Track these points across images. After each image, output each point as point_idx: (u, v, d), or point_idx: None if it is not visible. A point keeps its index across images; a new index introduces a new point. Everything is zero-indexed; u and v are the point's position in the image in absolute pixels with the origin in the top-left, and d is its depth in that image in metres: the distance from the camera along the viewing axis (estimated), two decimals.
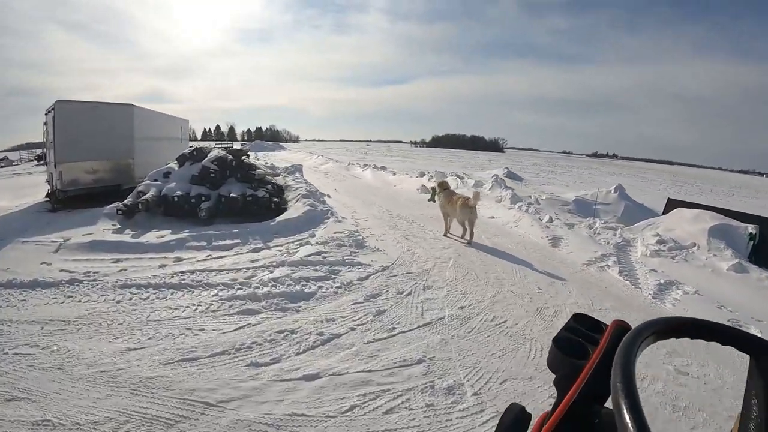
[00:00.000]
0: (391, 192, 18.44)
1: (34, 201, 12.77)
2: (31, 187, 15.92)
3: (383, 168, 26.29)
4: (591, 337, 0.72)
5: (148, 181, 10.76)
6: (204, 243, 8.27)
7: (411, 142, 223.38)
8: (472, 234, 9.41)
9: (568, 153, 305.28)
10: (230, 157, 11.78)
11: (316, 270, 7.04)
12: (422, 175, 22.24)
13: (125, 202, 9.98)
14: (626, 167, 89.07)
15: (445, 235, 9.91)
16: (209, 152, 11.91)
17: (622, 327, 0.69)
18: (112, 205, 10.27)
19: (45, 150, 13.67)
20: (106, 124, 12.99)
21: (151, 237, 8.58)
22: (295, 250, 7.96)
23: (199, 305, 5.74)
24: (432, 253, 8.55)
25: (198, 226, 9.51)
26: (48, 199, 12.77)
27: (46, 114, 13.24)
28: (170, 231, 8.96)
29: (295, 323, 5.26)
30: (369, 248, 8.40)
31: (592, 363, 0.64)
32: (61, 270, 6.85)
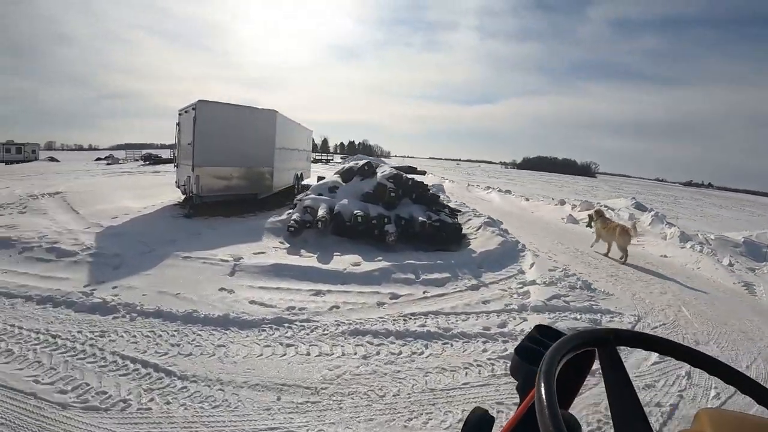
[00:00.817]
0: (534, 219, 16.67)
1: (161, 204, 12.01)
2: (151, 187, 15.39)
3: (508, 191, 24.42)
4: (550, 345, 0.73)
5: (313, 196, 9.42)
6: (411, 275, 6.85)
7: (500, 163, 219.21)
8: (626, 256, 9.87)
9: (661, 181, 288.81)
10: (404, 175, 10.36)
11: (575, 318, 5.86)
12: (562, 203, 20.41)
13: (294, 218, 8.75)
14: (731, 199, 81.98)
15: (605, 255, 10.25)
16: (377, 167, 10.53)
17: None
18: (274, 219, 9.13)
19: (175, 152, 12.87)
20: (248, 129, 12.18)
21: (341, 263, 7.21)
22: (521, 290, 6.68)
23: (478, 366, 4.37)
24: (655, 298, 7.38)
25: (384, 252, 8.20)
26: (179, 203, 12.19)
27: (180, 114, 12.50)
28: (358, 256, 7.59)
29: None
30: (599, 291, 7.13)
31: None
32: (252, 302, 5.58)
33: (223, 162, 11.53)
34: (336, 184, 9.87)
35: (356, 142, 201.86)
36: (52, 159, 52.22)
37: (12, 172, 27.35)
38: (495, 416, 0.72)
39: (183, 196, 12.77)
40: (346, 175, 10.41)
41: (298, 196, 10.46)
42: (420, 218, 9.01)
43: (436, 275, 6.91)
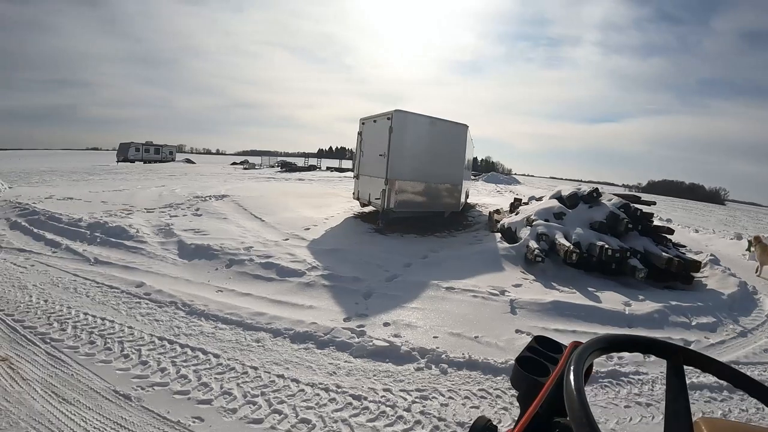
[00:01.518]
0: (721, 257, 14.17)
1: (338, 214, 11.41)
2: (315, 196, 14.88)
3: (669, 220, 22.02)
4: (551, 357, 0.78)
5: (542, 221, 8.38)
6: (681, 318, 5.75)
7: (624, 186, 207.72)
8: None
9: None
10: (633, 205, 9.04)
11: None
12: (739, 237, 17.85)
13: (536, 246, 7.70)
14: None
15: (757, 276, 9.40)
16: (600, 194, 9.41)
17: (577, 345, 0.72)
18: (508, 245, 8.07)
19: (355, 161, 12.42)
20: (439, 143, 11.33)
21: (610, 301, 6.01)
22: None
23: None
24: None
25: (627, 288, 6.96)
26: (357, 214, 11.48)
27: (362, 124, 11.87)
28: (617, 293, 6.43)
29: None
30: None
31: (552, 379, 0.69)
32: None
33: (416, 176, 10.77)
34: (562, 210, 8.79)
35: (479, 159, 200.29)
36: (188, 161, 55.15)
37: (156, 171, 28.59)
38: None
39: (362, 209, 12.34)
40: (571, 200, 9.29)
41: (504, 221, 9.56)
42: (664, 254, 7.73)
43: (703, 319, 5.84)
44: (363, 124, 11.91)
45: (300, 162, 48.25)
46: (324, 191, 16.43)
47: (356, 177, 11.96)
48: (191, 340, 4.21)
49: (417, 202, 11.01)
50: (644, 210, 9.05)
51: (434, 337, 4.59)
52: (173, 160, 54.62)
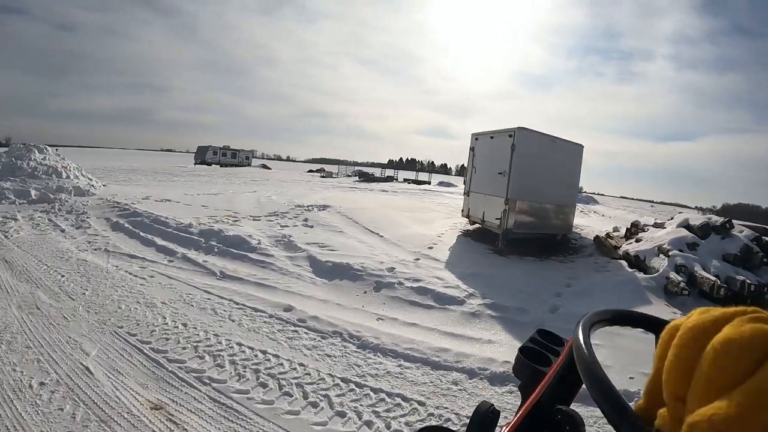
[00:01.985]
0: None
1: (447, 231, 10.97)
2: (414, 210, 14.20)
3: None
4: (553, 349, 0.78)
5: (677, 252, 8.00)
6: None
7: (697, 208, 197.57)
8: None
9: None
10: (764, 237, 8.41)
11: None
12: None
13: (681, 279, 7.15)
14: None
15: None
16: (733, 225, 8.94)
17: (543, 331, 0.78)
18: (646, 276, 7.61)
19: (466, 178, 12.24)
20: (559, 162, 10.87)
21: None
22: None
23: None
24: None
25: None
26: (463, 231, 10.94)
27: (475, 139, 11.47)
28: None
29: None
30: None
31: (555, 369, 0.69)
32: None
33: (535, 196, 10.31)
34: (695, 241, 8.35)
35: None
36: (264, 166, 55.42)
37: (236, 174, 28.86)
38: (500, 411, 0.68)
39: (468, 226, 11.83)
40: (703, 230, 8.80)
41: (626, 248, 9.10)
42: None
43: None
44: (476, 139, 11.59)
45: (377, 172, 48.36)
46: (417, 205, 16.17)
47: (467, 194, 11.63)
48: (381, 382, 3.65)
49: (534, 224, 10.50)
50: None
51: (630, 378, 4.24)
52: (249, 164, 55.46)
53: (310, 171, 52.42)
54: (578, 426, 0.62)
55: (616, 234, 12.20)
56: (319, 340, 4.33)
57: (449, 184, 39.77)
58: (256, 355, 3.85)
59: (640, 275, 7.64)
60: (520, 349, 0.76)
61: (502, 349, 4.54)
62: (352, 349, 4.22)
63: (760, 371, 0.33)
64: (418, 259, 7.64)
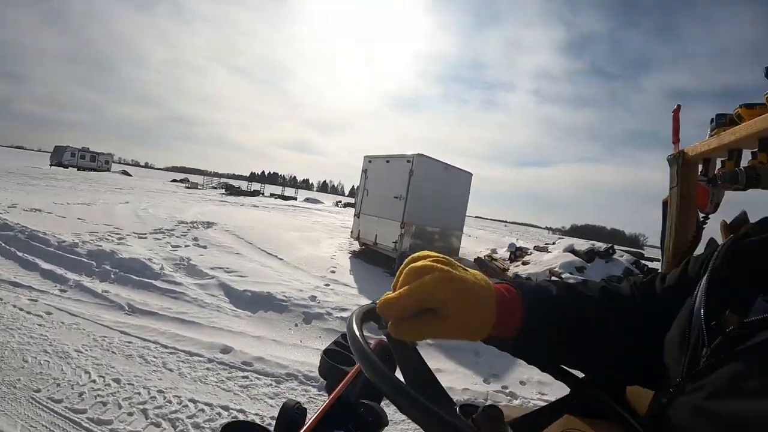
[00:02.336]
0: None
1: (338, 252, 10.79)
2: (298, 228, 13.83)
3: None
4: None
5: (568, 274, 8.70)
6: None
7: (547, 228, 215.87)
8: None
9: None
10: (641, 261, 9.48)
11: None
12: None
13: None
14: None
15: None
16: (615, 251, 10.07)
17: (383, 344, 0.76)
18: None
19: (357, 199, 12.16)
20: (451, 189, 11.40)
21: None
22: None
23: None
24: None
25: None
26: (353, 252, 11.01)
27: (369, 162, 11.57)
28: None
29: None
30: None
31: (357, 368, 0.71)
32: None
33: (429, 220, 10.56)
34: (582, 264, 9.24)
35: None
36: (125, 173, 51.75)
37: (97, 180, 25.99)
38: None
39: (353, 247, 11.85)
40: (589, 255, 9.78)
41: (516, 270, 9.72)
42: None
43: None
44: (370, 162, 11.64)
45: (242, 185, 46.76)
46: (297, 223, 15.73)
47: (357, 216, 11.59)
48: None
49: (429, 246, 10.78)
50: (650, 265, 9.73)
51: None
52: (109, 169, 51.36)
53: (174, 180, 49.40)
54: (380, 417, 0.67)
55: (498, 256, 12.97)
56: (276, 386, 3.88)
57: (315, 201, 39.91)
58: (219, 414, 3.30)
59: None
60: (324, 352, 0.80)
61: (465, 378, 4.60)
62: (314, 393, 3.88)
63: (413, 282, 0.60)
64: (328, 285, 7.37)
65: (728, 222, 1.64)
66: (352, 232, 12.00)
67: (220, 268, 7.17)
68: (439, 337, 0.66)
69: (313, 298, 6.29)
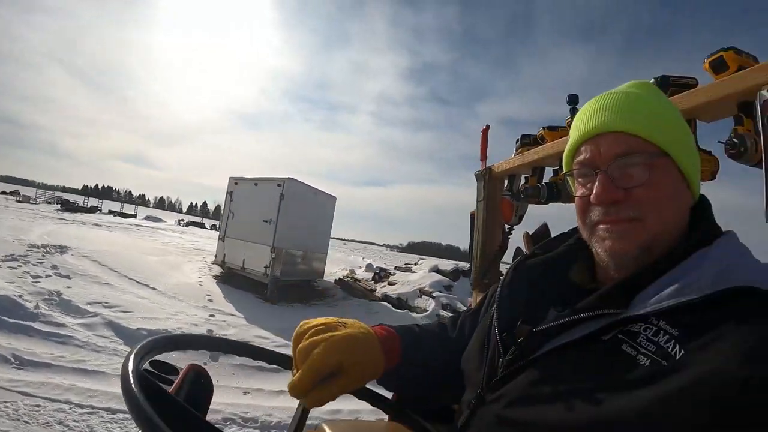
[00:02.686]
0: None
1: (202, 278, 10.32)
2: (156, 251, 13.05)
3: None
4: (167, 379, 0.81)
5: (438, 292, 9.39)
6: None
7: (385, 245, 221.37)
8: None
9: None
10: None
11: None
12: None
13: (448, 314, 8.47)
14: None
15: None
16: (460, 267, 11.03)
17: (195, 370, 0.80)
18: (419, 315, 8.66)
19: (222, 222, 11.63)
20: (318, 212, 11.75)
21: None
22: None
23: None
24: None
25: None
26: (217, 276, 10.80)
27: (235, 183, 11.42)
28: None
29: None
30: None
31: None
32: None
33: (298, 244, 10.76)
34: (450, 283, 10.08)
35: None
36: None
37: None
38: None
39: (215, 271, 11.45)
40: (454, 274, 10.67)
41: (385, 291, 10.28)
42: None
43: None
44: (236, 184, 11.47)
45: (75, 199, 42.13)
46: (148, 245, 14.68)
47: (222, 239, 11.38)
48: None
49: (298, 270, 10.87)
50: None
51: None
52: None
53: (4, 193, 44.31)
54: None
55: (360, 276, 13.54)
56: None
57: (157, 219, 37.10)
58: None
59: (414, 314, 8.82)
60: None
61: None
62: None
63: (306, 360, 0.73)
64: (213, 316, 7.29)
65: (530, 233, 1.83)
66: (216, 255, 11.63)
67: (97, 302, 6.60)
68: (348, 391, 0.78)
69: (210, 332, 6.18)
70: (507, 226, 2.04)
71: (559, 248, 0.88)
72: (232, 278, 10.79)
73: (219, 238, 11.47)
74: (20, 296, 6.12)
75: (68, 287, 7.11)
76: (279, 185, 10.20)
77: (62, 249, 9.99)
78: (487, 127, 2.17)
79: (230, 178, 11.68)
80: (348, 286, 12.18)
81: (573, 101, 1.56)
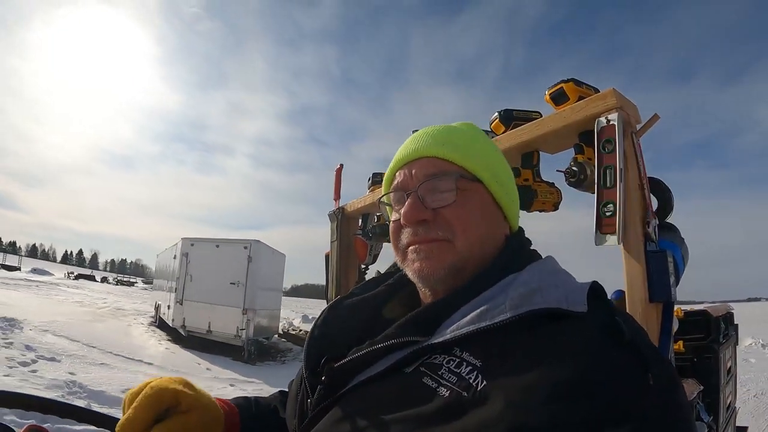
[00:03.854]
0: None
1: (167, 346, 10.20)
2: (97, 320, 11.96)
3: None
4: None
5: None
6: None
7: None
8: None
9: None
10: None
11: None
12: None
13: None
14: None
15: None
16: None
17: (35, 428, 0.72)
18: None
19: (179, 285, 11.25)
20: (275, 271, 12.02)
21: None
22: None
23: None
24: None
25: None
26: (171, 338, 10.47)
27: (191, 245, 11.30)
28: None
29: None
30: None
31: None
32: None
33: (265, 303, 10.92)
34: None
35: (128, 261, 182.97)
36: None
37: None
38: None
39: (163, 331, 11.45)
40: None
41: None
42: None
43: None
44: (192, 245, 11.30)
45: None
46: (79, 309, 13.91)
47: (180, 302, 10.99)
48: None
49: (265, 328, 10.95)
50: None
51: None
52: None
53: None
54: None
55: (299, 326, 13.98)
56: None
57: (44, 272, 33.59)
58: None
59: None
60: None
61: None
62: None
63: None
64: (233, 385, 7.40)
65: (382, 272, 1.52)
66: (173, 320, 11.05)
67: (125, 387, 6.06)
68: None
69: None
70: (363, 266, 2.01)
71: (378, 288, 0.85)
72: (194, 342, 10.44)
73: (176, 302, 10.95)
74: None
75: (70, 373, 6.47)
76: (245, 247, 10.27)
77: (13, 323, 8.99)
78: (341, 166, 2.14)
79: (184, 239, 11.35)
80: (294, 336, 12.66)
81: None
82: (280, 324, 14.70)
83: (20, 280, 21.64)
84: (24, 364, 6.67)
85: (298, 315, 20.93)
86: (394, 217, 0.76)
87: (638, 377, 0.49)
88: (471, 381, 0.54)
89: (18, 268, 34.25)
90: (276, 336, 12.70)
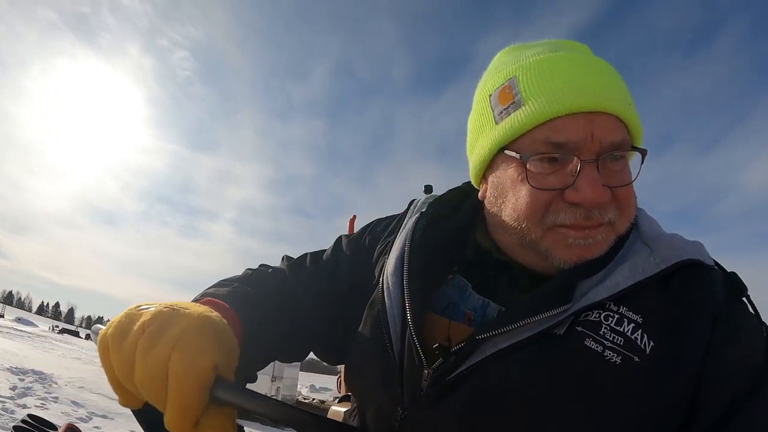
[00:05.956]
0: None
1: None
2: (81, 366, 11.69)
3: None
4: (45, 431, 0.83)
5: None
6: None
7: None
8: None
9: None
10: None
11: None
12: None
13: None
14: None
15: None
16: None
17: (72, 428, 0.72)
18: None
19: None
20: None
21: None
22: None
23: None
24: None
25: None
26: None
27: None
28: None
29: None
30: None
31: None
32: None
33: (289, 373, 11.13)
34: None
35: (104, 318, 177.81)
36: None
37: None
38: None
39: None
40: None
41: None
42: None
43: None
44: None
45: None
46: (70, 363, 13.53)
47: None
48: None
49: (287, 396, 10.76)
50: None
51: None
52: None
53: None
54: None
55: (311, 395, 13.46)
56: None
57: (28, 322, 32.33)
58: None
59: None
60: (14, 428, 0.81)
61: None
62: None
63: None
64: None
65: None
66: None
67: None
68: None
69: None
70: None
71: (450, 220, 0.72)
72: None
73: None
74: None
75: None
76: None
77: (44, 378, 8.50)
78: (354, 217, 1.97)
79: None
80: (308, 406, 12.22)
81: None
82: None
83: (9, 329, 20.72)
84: (82, 420, 6.38)
85: (304, 386, 20.45)
86: (538, 181, 0.56)
87: (765, 331, 0.54)
88: (638, 341, 0.50)
89: (1, 315, 33.03)
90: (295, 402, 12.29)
